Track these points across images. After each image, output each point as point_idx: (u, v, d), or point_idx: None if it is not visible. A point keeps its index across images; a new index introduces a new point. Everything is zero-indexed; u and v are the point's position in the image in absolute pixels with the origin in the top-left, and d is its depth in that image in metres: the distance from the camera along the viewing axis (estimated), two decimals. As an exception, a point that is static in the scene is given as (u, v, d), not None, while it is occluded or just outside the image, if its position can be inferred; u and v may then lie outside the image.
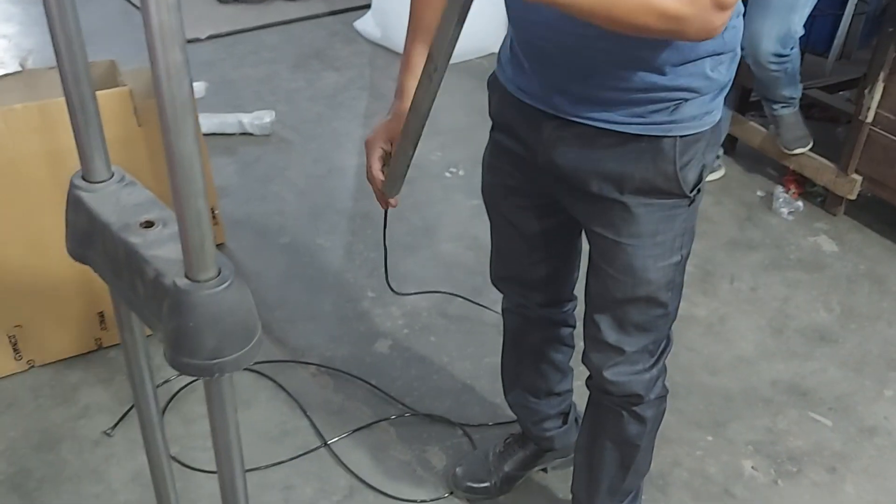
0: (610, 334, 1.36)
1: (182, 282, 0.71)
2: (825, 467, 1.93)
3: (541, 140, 1.26)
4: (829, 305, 2.44)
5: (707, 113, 1.20)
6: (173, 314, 0.72)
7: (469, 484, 1.81)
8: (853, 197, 2.73)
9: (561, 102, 1.21)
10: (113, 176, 0.85)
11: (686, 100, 1.16)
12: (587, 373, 1.46)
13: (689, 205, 1.26)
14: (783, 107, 2.75)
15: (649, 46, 1.10)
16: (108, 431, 1.92)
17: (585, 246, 1.43)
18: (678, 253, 1.31)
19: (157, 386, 2.01)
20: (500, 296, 2.39)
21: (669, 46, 1.10)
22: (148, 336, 0.96)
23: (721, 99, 1.23)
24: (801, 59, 3.31)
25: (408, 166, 1.29)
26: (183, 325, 0.71)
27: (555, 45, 1.17)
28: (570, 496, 1.69)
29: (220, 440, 0.83)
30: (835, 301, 2.46)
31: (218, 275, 0.72)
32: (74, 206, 0.82)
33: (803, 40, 3.18)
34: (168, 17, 0.62)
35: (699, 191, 1.26)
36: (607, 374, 1.39)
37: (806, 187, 2.90)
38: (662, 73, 1.12)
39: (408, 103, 1.23)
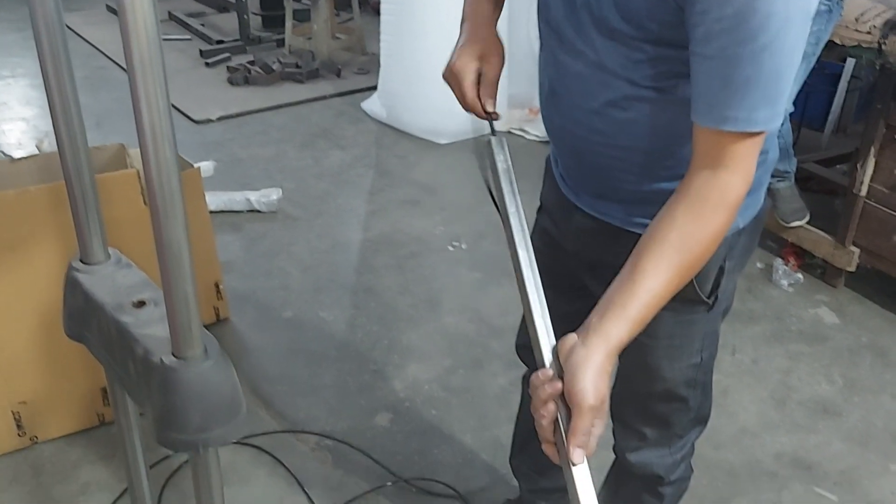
0: (632, 421, 1.39)
1: (169, 359, 0.74)
2: (831, 544, 1.90)
3: (570, 228, 1.31)
4: (831, 378, 2.43)
5: None
6: (161, 391, 0.75)
7: None
8: (852, 269, 2.75)
9: (584, 197, 1.25)
10: (110, 258, 0.89)
11: None
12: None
13: (710, 310, 1.24)
14: (778, 180, 2.80)
15: (655, 156, 1.11)
16: (106, 508, 1.93)
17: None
18: (697, 355, 1.30)
19: (157, 462, 2.02)
20: (502, 368, 2.42)
21: (674, 156, 1.09)
22: (141, 414, 0.98)
23: (744, 204, 1.11)
24: (798, 134, 3.40)
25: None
26: (170, 402, 0.74)
27: (570, 147, 1.22)
28: None
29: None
30: (837, 373, 2.45)
31: (204, 352, 0.76)
32: (72, 287, 0.86)
33: (799, 116, 3.27)
34: (159, 116, 0.66)
35: (717, 297, 1.23)
36: (630, 457, 1.41)
37: (805, 259, 2.93)
38: (672, 179, 1.06)
39: (484, 24, 1.22)
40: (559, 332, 1.51)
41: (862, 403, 2.33)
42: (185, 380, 0.73)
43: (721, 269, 1.21)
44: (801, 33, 0.90)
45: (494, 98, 1.22)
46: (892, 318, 2.70)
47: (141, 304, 0.82)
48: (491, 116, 1.21)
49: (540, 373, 0.95)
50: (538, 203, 1.45)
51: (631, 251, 1.11)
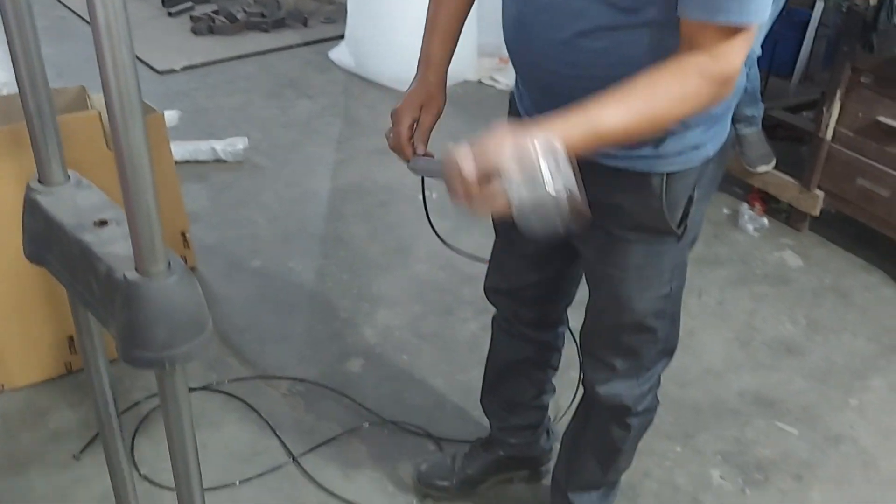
0: (602, 353, 1.42)
1: (132, 275, 0.73)
2: (792, 475, 1.95)
3: None
4: (794, 318, 2.48)
5: (694, 148, 1.18)
6: (125, 307, 0.74)
7: (430, 481, 1.84)
8: (816, 213, 2.79)
9: None
10: (69, 179, 0.87)
11: (673, 133, 1.15)
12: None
13: (679, 240, 1.26)
14: (745, 126, 2.81)
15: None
16: (76, 455, 1.91)
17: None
18: (667, 286, 1.32)
19: (128, 409, 2.02)
20: (472, 314, 2.43)
21: None
22: (112, 361, 0.97)
23: (712, 132, 1.20)
24: (766, 81, 3.41)
25: None
26: (134, 318, 0.73)
27: (538, 81, 1.22)
28: (551, 478, 1.73)
29: (174, 435, 0.84)
30: (800, 314, 2.50)
31: (167, 268, 0.74)
32: (31, 208, 0.85)
33: (767, 63, 3.28)
34: (115, 18, 0.64)
35: (686, 226, 1.25)
36: (600, 389, 1.44)
37: (771, 204, 2.96)
38: None
39: (433, 69, 1.33)
40: (528, 269, 1.52)
41: (823, 342, 2.39)
42: (148, 295, 0.72)
43: (690, 199, 1.23)
44: None
45: (425, 144, 1.37)
46: (854, 260, 2.75)
47: (103, 223, 0.80)
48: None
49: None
50: None
51: (599, 184, 1.11)
